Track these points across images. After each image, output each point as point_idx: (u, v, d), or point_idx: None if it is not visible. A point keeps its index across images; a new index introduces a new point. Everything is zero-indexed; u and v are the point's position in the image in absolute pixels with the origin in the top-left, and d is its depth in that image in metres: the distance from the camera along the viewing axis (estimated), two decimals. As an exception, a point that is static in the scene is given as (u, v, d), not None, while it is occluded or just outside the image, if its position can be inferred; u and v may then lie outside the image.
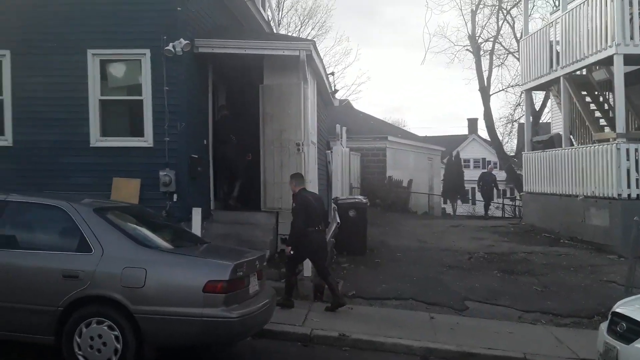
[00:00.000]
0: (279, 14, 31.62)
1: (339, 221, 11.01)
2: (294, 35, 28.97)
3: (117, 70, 9.80)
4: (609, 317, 5.59)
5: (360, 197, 13.06)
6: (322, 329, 7.03)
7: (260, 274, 6.00)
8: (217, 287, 5.04)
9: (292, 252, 7.81)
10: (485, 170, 22.94)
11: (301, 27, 33.58)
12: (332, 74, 17.84)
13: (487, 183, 21.30)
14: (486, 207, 21.75)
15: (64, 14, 9.53)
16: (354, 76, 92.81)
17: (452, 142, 45.21)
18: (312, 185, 10.73)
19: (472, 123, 49.51)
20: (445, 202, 31.91)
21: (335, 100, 16.36)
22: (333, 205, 12.20)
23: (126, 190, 9.20)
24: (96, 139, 9.46)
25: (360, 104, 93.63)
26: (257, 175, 10.52)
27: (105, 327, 5.03)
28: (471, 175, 41.20)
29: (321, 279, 8.11)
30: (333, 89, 15.23)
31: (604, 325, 5.68)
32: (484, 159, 45.92)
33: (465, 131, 52.08)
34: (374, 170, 22.49)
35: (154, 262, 5.17)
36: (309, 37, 32.35)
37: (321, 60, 11.95)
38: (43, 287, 5.14)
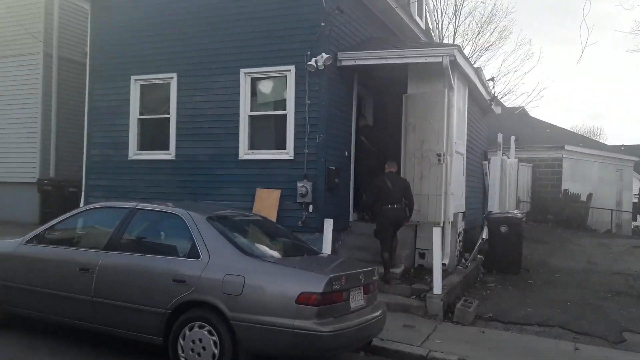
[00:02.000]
0: (455, 21, 30.86)
1: (484, 237, 10.31)
2: (469, 43, 28.08)
3: (265, 87, 10.33)
4: None
5: (515, 211, 12.10)
6: (441, 351, 6.55)
7: (367, 288, 5.80)
8: (311, 299, 4.93)
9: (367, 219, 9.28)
10: None
11: (479, 33, 32.24)
12: (492, 79, 16.93)
13: None
14: None
15: (223, 37, 10.33)
16: (535, 82, 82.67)
17: (655, 151, 40.03)
18: (456, 197, 10.21)
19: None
20: (642, 220, 28.26)
21: (497, 108, 15.41)
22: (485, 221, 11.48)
23: (267, 200, 9.63)
24: (244, 152, 10.08)
25: (542, 112, 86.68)
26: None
27: (206, 332, 5.14)
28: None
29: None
30: (492, 96, 14.38)
31: None
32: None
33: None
34: (547, 182, 20.69)
35: (253, 271, 5.21)
36: (487, 44, 31.20)
37: (471, 65, 11.36)
38: (156, 290, 5.43)
